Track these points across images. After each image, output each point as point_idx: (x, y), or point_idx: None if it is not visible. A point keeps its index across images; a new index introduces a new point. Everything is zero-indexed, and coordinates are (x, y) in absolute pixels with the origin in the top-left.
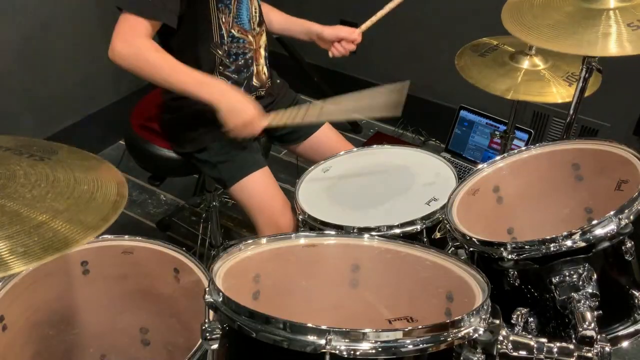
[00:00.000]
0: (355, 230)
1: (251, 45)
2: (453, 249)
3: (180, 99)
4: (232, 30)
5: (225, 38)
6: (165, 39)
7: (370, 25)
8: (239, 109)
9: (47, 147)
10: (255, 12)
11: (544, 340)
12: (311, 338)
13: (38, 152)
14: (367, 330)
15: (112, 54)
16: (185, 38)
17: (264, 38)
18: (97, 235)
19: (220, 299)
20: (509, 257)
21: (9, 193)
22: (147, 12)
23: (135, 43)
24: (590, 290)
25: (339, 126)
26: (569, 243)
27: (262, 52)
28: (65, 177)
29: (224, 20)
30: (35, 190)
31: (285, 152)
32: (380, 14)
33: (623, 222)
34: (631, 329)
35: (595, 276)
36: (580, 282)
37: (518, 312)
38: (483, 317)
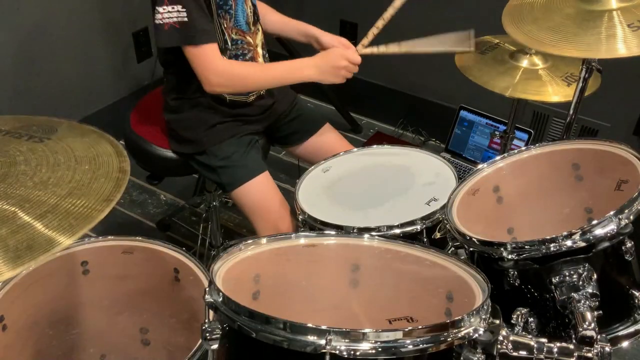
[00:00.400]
0: (355, 230)
1: (250, 46)
2: (453, 249)
3: (181, 99)
4: (232, 34)
5: (229, 43)
6: (174, 53)
7: (369, 53)
8: (333, 70)
9: (46, 124)
10: (251, 12)
11: (544, 340)
12: (311, 338)
13: (37, 133)
14: (367, 330)
15: (210, 89)
16: None
17: (259, 36)
18: (98, 230)
19: (220, 299)
20: (509, 257)
21: (11, 182)
22: (203, 39)
23: (221, 70)
24: (590, 290)
25: (339, 126)
26: (569, 243)
27: (260, 50)
28: (65, 158)
29: (225, 25)
30: (37, 176)
31: (285, 153)
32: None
33: (623, 222)
34: (631, 329)
35: (595, 276)
36: (580, 282)
37: (518, 312)
38: (483, 317)
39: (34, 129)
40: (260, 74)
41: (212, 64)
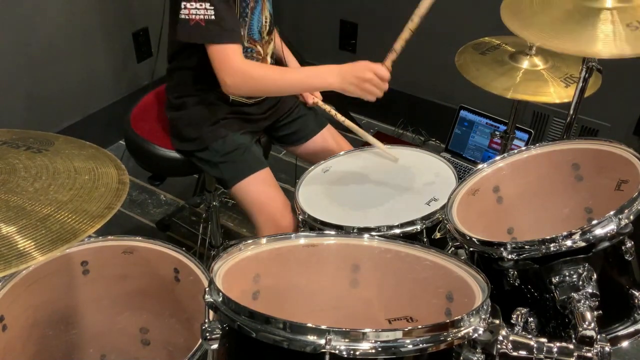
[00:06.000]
0: (355, 230)
1: (259, 55)
2: (453, 249)
3: (183, 97)
4: (244, 42)
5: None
6: (183, 50)
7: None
8: (357, 81)
9: (42, 137)
10: (266, 22)
11: (544, 340)
12: (311, 338)
13: (35, 144)
14: (367, 330)
15: (226, 89)
16: (203, 51)
17: (271, 47)
18: (98, 230)
19: (220, 299)
20: (509, 257)
21: (11, 188)
22: (227, 38)
23: (237, 71)
24: (590, 290)
25: (339, 127)
26: (569, 243)
27: (269, 59)
28: (65, 167)
29: (242, 33)
30: (37, 183)
31: (285, 152)
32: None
33: (623, 222)
34: (631, 329)
35: (595, 276)
36: (580, 282)
37: (518, 312)
38: (483, 317)
39: (30, 140)
40: (278, 78)
41: (230, 65)
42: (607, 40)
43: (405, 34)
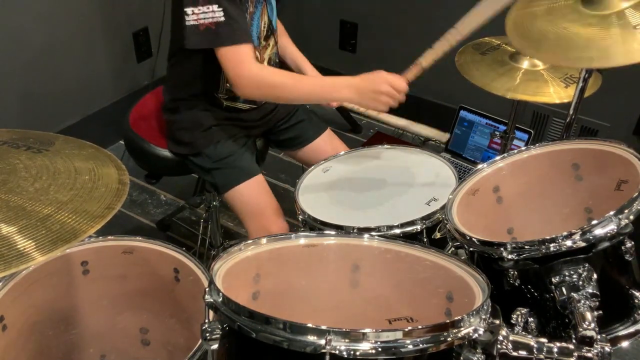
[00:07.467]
0: (355, 230)
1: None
2: (453, 249)
3: (178, 100)
4: None
5: None
6: (183, 53)
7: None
8: (373, 95)
9: (43, 137)
10: (264, 27)
11: (544, 340)
12: (311, 338)
13: (35, 144)
14: (367, 330)
15: (238, 92)
16: (199, 55)
17: (269, 51)
18: (98, 230)
19: (220, 299)
20: (509, 257)
21: (11, 188)
22: (239, 39)
23: (253, 75)
24: (590, 290)
25: (339, 126)
26: (569, 243)
27: (266, 65)
28: (65, 168)
29: None
30: (38, 183)
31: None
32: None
33: (623, 222)
34: (631, 329)
35: (595, 276)
36: (580, 282)
37: (518, 312)
38: (483, 317)
39: (30, 140)
40: (292, 86)
41: (245, 68)
42: (617, 48)
43: (439, 51)
